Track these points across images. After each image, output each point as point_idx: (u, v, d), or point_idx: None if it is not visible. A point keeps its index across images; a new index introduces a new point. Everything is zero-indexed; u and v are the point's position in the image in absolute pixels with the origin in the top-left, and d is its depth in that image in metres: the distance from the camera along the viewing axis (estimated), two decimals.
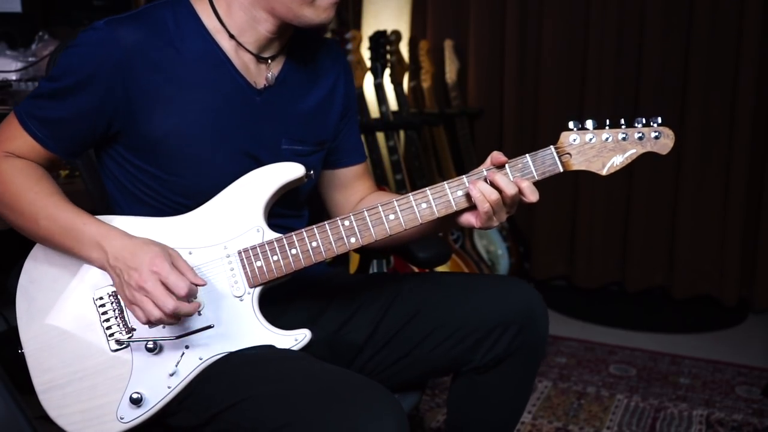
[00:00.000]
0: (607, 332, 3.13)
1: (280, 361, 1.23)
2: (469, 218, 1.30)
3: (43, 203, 1.24)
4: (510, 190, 1.24)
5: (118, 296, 1.24)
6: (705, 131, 3.29)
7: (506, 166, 1.27)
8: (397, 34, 3.21)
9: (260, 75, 1.34)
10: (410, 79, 3.44)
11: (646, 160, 1.31)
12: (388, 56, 3.18)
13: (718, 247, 3.37)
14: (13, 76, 1.99)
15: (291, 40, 1.37)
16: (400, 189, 3.01)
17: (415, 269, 2.41)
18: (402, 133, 3.31)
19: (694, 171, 3.33)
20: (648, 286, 3.54)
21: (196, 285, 1.19)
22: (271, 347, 1.26)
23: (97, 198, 1.51)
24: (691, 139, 3.27)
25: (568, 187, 3.55)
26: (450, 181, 1.28)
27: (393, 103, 3.22)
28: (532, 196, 1.26)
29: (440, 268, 2.64)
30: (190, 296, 1.17)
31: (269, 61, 1.34)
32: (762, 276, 3.31)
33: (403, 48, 3.33)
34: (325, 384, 1.14)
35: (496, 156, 1.27)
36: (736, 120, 3.22)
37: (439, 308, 1.39)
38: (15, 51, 2.08)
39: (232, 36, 1.30)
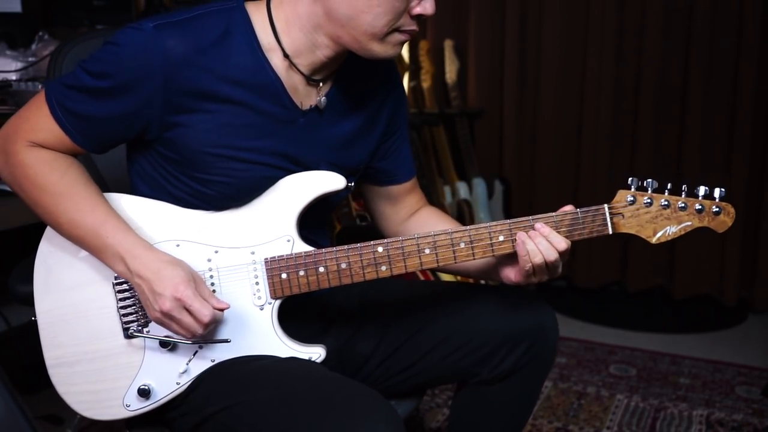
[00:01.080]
0: (607, 332, 3.13)
1: (280, 365, 1.23)
2: (508, 273, 1.29)
3: (65, 205, 1.19)
4: (553, 253, 1.21)
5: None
6: (705, 131, 3.28)
7: (552, 222, 1.24)
8: None
9: (307, 96, 1.28)
10: (410, 79, 3.44)
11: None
12: None
13: (718, 247, 3.36)
14: (13, 76, 1.99)
15: (344, 64, 1.30)
16: None
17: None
18: None
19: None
20: (648, 286, 3.53)
21: (220, 309, 1.19)
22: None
23: None
24: (691, 139, 3.27)
25: (568, 188, 3.54)
26: (493, 224, 1.24)
27: None
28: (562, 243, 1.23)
29: None
30: (214, 322, 1.18)
31: (320, 84, 1.28)
32: (762, 276, 3.30)
33: (403, 48, 3.32)
34: (322, 392, 1.14)
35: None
36: (736, 120, 3.22)
37: (448, 320, 1.38)
38: (15, 51, 2.08)
39: (286, 55, 1.23)
